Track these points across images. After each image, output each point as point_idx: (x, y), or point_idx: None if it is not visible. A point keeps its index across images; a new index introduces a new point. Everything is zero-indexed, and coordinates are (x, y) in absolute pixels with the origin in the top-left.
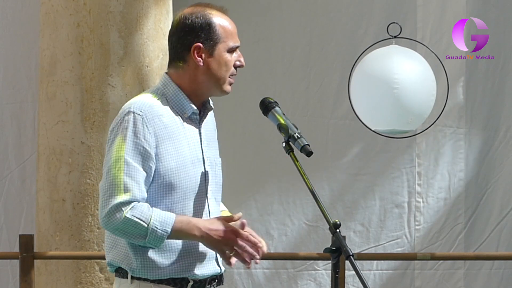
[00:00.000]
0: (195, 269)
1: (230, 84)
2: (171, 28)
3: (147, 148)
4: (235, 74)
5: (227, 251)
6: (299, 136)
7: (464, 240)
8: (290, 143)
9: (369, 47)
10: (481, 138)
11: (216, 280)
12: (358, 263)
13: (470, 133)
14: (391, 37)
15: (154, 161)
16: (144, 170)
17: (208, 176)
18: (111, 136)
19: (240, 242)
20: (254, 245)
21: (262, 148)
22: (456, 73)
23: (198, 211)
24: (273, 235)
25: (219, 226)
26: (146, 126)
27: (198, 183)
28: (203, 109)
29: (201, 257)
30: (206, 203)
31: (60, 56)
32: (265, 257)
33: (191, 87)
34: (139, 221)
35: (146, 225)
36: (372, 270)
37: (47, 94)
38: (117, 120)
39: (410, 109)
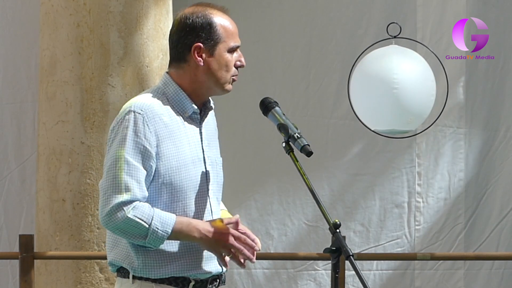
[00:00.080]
0: (197, 268)
1: (232, 82)
2: (171, 27)
3: (147, 147)
4: (236, 74)
5: (223, 253)
6: (299, 136)
7: (464, 240)
8: (290, 143)
9: (368, 47)
10: (481, 138)
11: (218, 280)
12: (358, 263)
13: (470, 133)
14: (390, 37)
15: (155, 160)
16: (145, 169)
17: (209, 176)
18: (111, 135)
19: (237, 245)
20: (250, 248)
21: (262, 148)
22: (456, 73)
23: (200, 211)
24: (273, 235)
25: (219, 229)
26: (147, 125)
27: (199, 182)
28: (204, 109)
29: (203, 257)
30: (208, 203)
31: (60, 56)
32: (265, 257)
33: (192, 87)
34: (140, 221)
35: (147, 226)
36: (372, 270)
37: (47, 94)
38: (118, 119)
39: (410, 109)
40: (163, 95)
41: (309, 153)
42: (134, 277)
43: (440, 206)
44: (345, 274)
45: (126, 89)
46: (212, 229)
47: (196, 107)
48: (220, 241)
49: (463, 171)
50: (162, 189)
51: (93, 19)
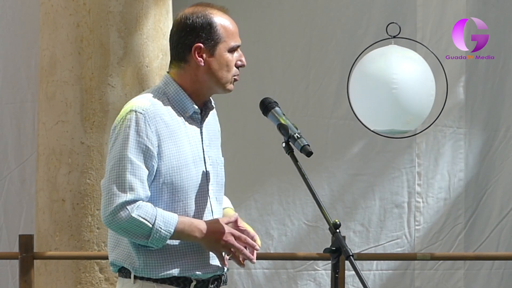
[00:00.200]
0: (198, 268)
1: (233, 82)
2: (172, 28)
3: (149, 146)
4: (237, 74)
5: (224, 253)
6: (299, 136)
7: (464, 240)
8: (290, 143)
9: (368, 47)
10: (481, 138)
11: (219, 280)
12: (358, 263)
13: (470, 133)
14: (390, 37)
15: (156, 159)
16: (147, 169)
17: (209, 176)
18: (113, 135)
19: (237, 245)
20: (251, 247)
21: (262, 148)
22: (456, 73)
23: (200, 211)
24: (273, 235)
25: (219, 229)
26: (148, 124)
27: (199, 182)
28: (205, 109)
29: (204, 256)
30: (209, 203)
31: (59, 56)
32: (265, 257)
33: (193, 87)
34: (144, 221)
35: (150, 225)
36: (372, 270)
37: (47, 94)
38: (119, 119)
39: (409, 109)
40: (164, 95)
41: (309, 153)
42: (135, 277)
43: (440, 206)
44: (345, 274)
45: (126, 89)
46: (212, 229)
47: (196, 107)
48: (221, 240)
49: (463, 171)
50: (163, 189)
51: (93, 19)
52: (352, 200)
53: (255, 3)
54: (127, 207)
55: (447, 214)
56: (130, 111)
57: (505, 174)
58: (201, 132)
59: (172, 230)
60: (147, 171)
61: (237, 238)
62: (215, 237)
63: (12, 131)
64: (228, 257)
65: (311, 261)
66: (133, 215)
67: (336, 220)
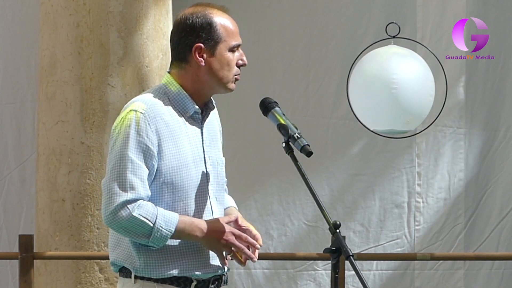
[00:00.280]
0: (198, 268)
1: (235, 81)
2: (172, 28)
3: (149, 146)
4: (239, 73)
5: (224, 252)
6: (299, 136)
7: (464, 240)
8: (290, 143)
9: (367, 48)
10: (481, 138)
11: (220, 280)
12: (358, 263)
13: (470, 133)
14: (389, 37)
15: (156, 159)
16: (147, 168)
17: (209, 176)
18: (113, 134)
19: (238, 244)
20: (252, 245)
21: (262, 148)
22: (456, 73)
23: (200, 210)
24: (273, 235)
25: (219, 228)
26: (148, 124)
27: (199, 182)
28: (205, 109)
29: (204, 256)
30: (209, 203)
31: (59, 56)
32: (265, 257)
33: (194, 87)
34: (145, 220)
35: (151, 225)
36: (372, 270)
37: (47, 94)
38: (120, 119)
39: (409, 109)
40: (164, 95)
41: (309, 153)
42: (136, 277)
43: (440, 206)
44: (345, 274)
45: (126, 89)
46: (213, 228)
47: (197, 107)
48: (221, 239)
49: (463, 171)
50: (163, 189)
51: (92, 19)
52: (352, 200)
53: (255, 3)
54: (128, 206)
55: (447, 214)
56: (131, 110)
57: (505, 174)
58: (202, 132)
59: (173, 229)
60: (147, 171)
61: (237, 237)
62: (215, 236)
63: (12, 131)
64: (229, 257)
65: (311, 261)
66: (134, 214)
67: (336, 220)
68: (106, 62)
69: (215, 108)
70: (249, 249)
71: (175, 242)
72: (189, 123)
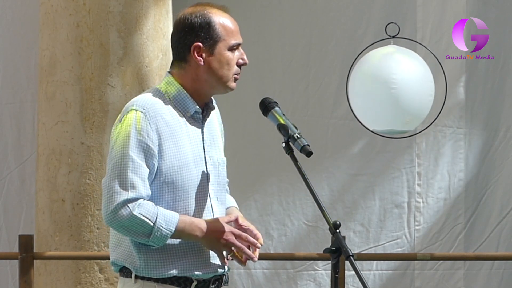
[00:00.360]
0: (199, 268)
1: (235, 81)
2: (172, 28)
3: (150, 145)
4: (239, 73)
5: (225, 252)
6: (299, 136)
7: (464, 240)
8: (290, 143)
9: (366, 48)
10: (481, 138)
11: (220, 280)
12: (358, 263)
13: (470, 133)
14: (389, 37)
15: (157, 158)
16: (148, 167)
17: (209, 176)
18: (114, 133)
19: (238, 244)
20: (252, 245)
21: (262, 148)
22: (456, 73)
23: (201, 210)
24: (273, 235)
25: (220, 228)
26: (149, 123)
27: (200, 182)
28: (206, 109)
29: (205, 256)
30: (209, 202)
31: (59, 56)
32: (265, 257)
33: (194, 87)
34: (145, 219)
35: (152, 224)
36: (372, 270)
37: (47, 94)
38: (120, 118)
39: (408, 109)
40: (165, 95)
41: (309, 153)
42: (136, 277)
43: (440, 206)
44: (345, 274)
45: (125, 89)
46: (213, 228)
47: (198, 106)
48: (221, 239)
49: (463, 171)
50: (163, 188)
51: (92, 19)
52: (352, 200)
53: (255, 3)
54: (129, 205)
55: (447, 214)
56: (131, 110)
57: (505, 174)
58: (202, 132)
59: (173, 229)
60: (148, 170)
61: (237, 236)
62: (215, 236)
63: (12, 131)
64: (229, 257)
65: (311, 261)
66: (135, 213)
67: (336, 220)
68: (106, 62)
69: (217, 108)
70: (249, 249)
71: (176, 242)
72: (190, 123)
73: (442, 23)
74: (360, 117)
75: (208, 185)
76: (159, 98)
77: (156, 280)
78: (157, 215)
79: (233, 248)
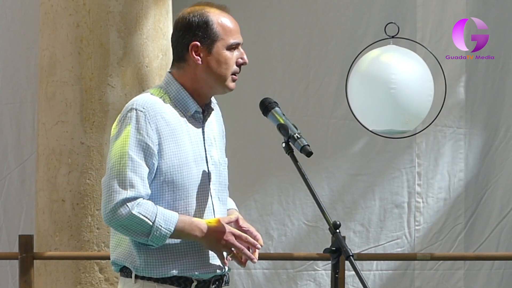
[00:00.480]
0: (199, 268)
1: (233, 81)
2: (172, 28)
3: (150, 144)
4: (238, 72)
5: (224, 252)
6: (299, 136)
7: (464, 240)
8: (290, 143)
9: (366, 48)
10: (481, 138)
11: (221, 280)
12: (358, 264)
13: (470, 133)
14: (388, 37)
15: (157, 158)
16: (147, 167)
17: (210, 175)
18: (114, 132)
19: (238, 244)
20: (252, 245)
21: (262, 148)
22: (456, 73)
23: (202, 210)
24: (273, 235)
25: (220, 228)
26: (149, 122)
27: (201, 181)
28: (207, 109)
29: (205, 256)
30: (210, 202)
31: (59, 56)
32: (265, 257)
33: (193, 86)
34: (144, 218)
35: (151, 223)
36: (372, 271)
37: (47, 94)
38: (120, 117)
39: (407, 109)
40: (165, 94)
41: (309, 154)
42: (136, 277)
43: (440, 206)
44: (345, 274)
45: (125, 89)
46: (213, 228)
47: (198, 106)
48: (221, 240)
49: (463, 171)
50: (164, 188)
51: (92, 19)
52: (352, 200)
53: (255, 3)
54: (128, 204)
55: (447, 214)
56: (131, 109)
57: (505, 174)
58: (203, 132)
59: (173, 229)
60: (147, 169)
61: (237, 237)
62: (215, 237)
63: (12, 131)
64: (229, 257)
65: (311, 261)
66: (134, 212)
67: (336, 220)
68: (106, 62)
69: (218, 110)
70: (249, 250)
71: (176, 241)
72: (190, 122)
73: (442, 23)
74: (359, 117)
75: (209, 184)
76: (159, 98)
77: (156, 280)
78: (156, 215)
79: (233, 249)
